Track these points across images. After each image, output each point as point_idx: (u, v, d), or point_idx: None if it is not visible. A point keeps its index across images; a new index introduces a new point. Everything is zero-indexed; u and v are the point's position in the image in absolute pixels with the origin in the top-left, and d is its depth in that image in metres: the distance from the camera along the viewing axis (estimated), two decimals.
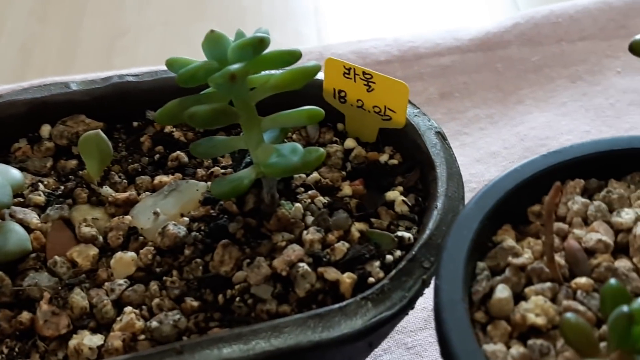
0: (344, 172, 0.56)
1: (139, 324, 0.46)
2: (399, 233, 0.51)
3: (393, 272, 0.47)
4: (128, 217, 0.52)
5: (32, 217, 0.52)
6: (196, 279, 0.48)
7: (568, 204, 0.48)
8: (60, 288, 0.48)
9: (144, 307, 0.47)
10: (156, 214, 0.52)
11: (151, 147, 0.58)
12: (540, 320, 0.41)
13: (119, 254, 0.50)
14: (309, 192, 0.53)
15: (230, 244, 0.49)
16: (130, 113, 0.60)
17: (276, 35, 1.03)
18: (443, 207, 0.51)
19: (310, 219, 0.51)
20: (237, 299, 0.47)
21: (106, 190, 0.54)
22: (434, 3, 1.10)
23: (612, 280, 0.38)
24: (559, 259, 0.44)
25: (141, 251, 0.50)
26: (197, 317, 0.47)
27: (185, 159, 0.57)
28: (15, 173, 0.52)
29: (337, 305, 0.45)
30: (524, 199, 0.48)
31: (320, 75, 0.56)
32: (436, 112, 0.84)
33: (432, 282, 0.45)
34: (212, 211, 0.52)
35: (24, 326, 0.47)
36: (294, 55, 0.49)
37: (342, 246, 0.49)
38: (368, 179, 0.55)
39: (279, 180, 0.53)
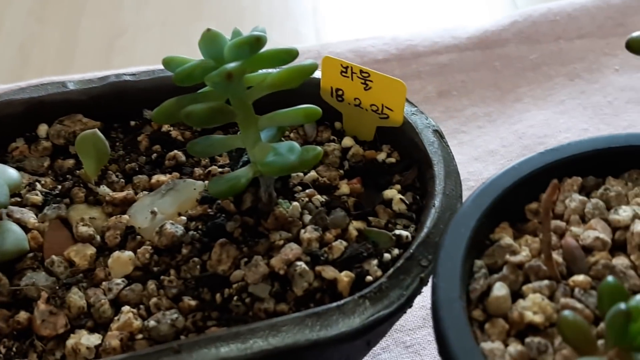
0: (341, 171, 0.56)
1: (137, 323, 0.46)
2: (397, 231, 0.50)
3: (391, 271, 0.47)
4: (125, 216, 0.52)
5: (30, 216, 0.52)
6: (194, 278, 0.48)
7: (565, 201, 0.48)
8: (57, 287, 0.48)
9: (141, 306, 0.47)
10: (153, 213, 0.52)
11: (148, 146, 0.58)
12: (537, 318, 0.41)
13: (116, 254, 0.50)
14: (307, 191, 0.53)
15: (228, 243, 0.49)
16: (127, 112, 0.60)
17: (275, 35, 1.03)
18: (441, 205, 0.50)
19: (307, 217, 0.51)
20: (235, 297, 0.47)
21: (103, 189, 0.54)
22: (431, 2, 1.10)
23: (610, 278, 0.38)
24: (557, 256, 0.44)
25: (139, 250, 0.50)
26: (194, 316, 0.47)
27: (183, 158, 0.57)
28: (12, 173, 0.52)
29: (334, 304, 0.45)
30: (522, 196, 0.48)
31: (317, 74, 0.56)
32: (434, 110, 0.84)
33: (430, 280, 0.44)
34: (209, 210, 0.52)
35: (21, 326, 0.47)
36: (291, 54, 0.48)
37: (339, 245, 0.49)
38: (366, 177, 0.55)
39: (277, 179, 0.53)
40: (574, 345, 0.38)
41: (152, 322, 0.46)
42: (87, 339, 0.46)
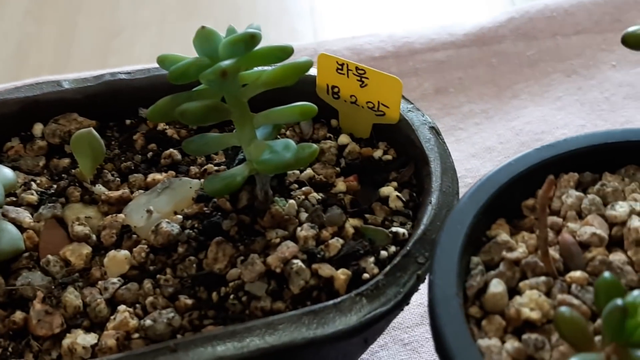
0: (338, 168, 0.55)
1: (133, 322, 0.46)
2: (394, 229, 0.50)
3: (387, 268, 0.47)
4: (121, 215, 0.52)
5: (25, 216, 0.52)
6: (190, 277, 0.48)
7: (562, 197, 0.48)
8: (53, 287, 0.48)
9: (137, 305, 0.47)
10: (149, 212, 0.51)
11: (144, 145, 0.58)
12: (534, 315, 0.41)
13: (112, 253, 0.49)
14: (303, 189, 0.53)
15: (224, 241, 0.49)
16: (122, 111, 0.60)
17: (272, 33, 1.03)
18: (437, 202, 0.50)
19: (304, 215, 0.51)
20: (231, 296, 0.47)
21: (99, 188, 0.54)
22: None
23: (606, 274, 0.38)
24: (554, 252, 0.44)
25: (134, 249, 0.50)
26: (191, 315, 0.47)
27: (179, 156, 0.56)
28: (7, 172, 0.52)
29: (331, 302, 0.45)
30: (518, 193, 0.48)
31: (313, 71, 0.56)
32: (431, 107, 0.84)
33: (427, 277, 0.44)
34: (205, 209, 0.52)
35: (17, 326, 0.47)
36: (286, 51, 0.48)
37: (336, 242, 0.49)
38: (362, 174, 0.55)
39: (273, 176, 0.53)
40: (571, 341, 0.38)
41: (148, 321, 0.46)
42: (83, 339, 0.46)
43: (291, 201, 0.51)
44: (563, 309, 0.38)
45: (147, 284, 0.48)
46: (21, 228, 0.51)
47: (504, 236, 0.45)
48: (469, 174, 0.77)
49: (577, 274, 0.43)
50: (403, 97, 0.56)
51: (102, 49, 1.05)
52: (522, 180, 0.47)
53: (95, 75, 0.60)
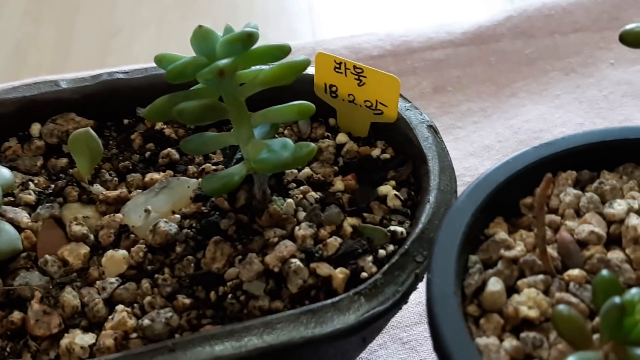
0: (336, 167, 0.55)
1: (131, 322, 0.46)
2: (392, 227, 0.50)
3: (386, 267, 0.47)
4: (119, 215, 0.52)
5: (23, 216, 0.52)
6: (188, 276, 0.48)
7: (560, 195, 0.48)
8: (51, 287, 0.48)
9: (135, 305, 0.47)
10: (147, 211, 0.51)
11: (142, 145, 0.58)
12: (532, 313, 0.41)
13: (110, 252, 0.49)
14: (301, 188, 0.53)
15: (222, 241, 0.49)
16: (120, 110, 0.60)
17: (271, 33, 1.03)
18: (435, 201, 0.50)
19: (302, 214, 0.51)
20: (230, 295, 0.47)
21: (97, 188, 0.54)
22: None
23: (604, 272, 0.38)
24: (552, 251, 0.44)
25: (132, 249, 0.50)
26: (189, 315, 0.46)
27: (177, 156, 0.56)
28: (5, 172, 0.52)
29: (329, 301, 0.45)
30: (516, 191, 0.48)
31: (311, 70, 0.56)
32: (429, 106, 0.84)
33: (425, 276, 0.44)
34: (203, 208, 0.52)
35: (15, 326, 0.47)
36: (283, 50, 0.48)
37: (334, 241, 0.49)
38: (360, 173, 0.55)
39: (271, 176, 0.53)
40: (569, 339, 0.38)
41: (146, 321, 0.46)
42: (81, 339, 0.46)
43: (289, 200, 0.51)
44: (561, 307, 0.38)
45: (145, 283, 0.48)
46: (19, 228, 0.51)
47: (502, 234, 0.45)
48: (468, 172, 0.77)
49: (575, 272, 0.43)
50: (401, 95, 0.56)
51: (100, 49, 1.05)
52: (520, 179, 0.47)
53: (92, 75, 0.60)
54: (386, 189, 0.53)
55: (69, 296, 0.47)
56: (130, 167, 0.56)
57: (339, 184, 0.54)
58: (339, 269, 0.48)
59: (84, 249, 0.50)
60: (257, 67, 0.51)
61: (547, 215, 0.47)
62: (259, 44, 0.48)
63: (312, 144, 0.48)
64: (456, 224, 0.44)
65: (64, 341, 0.46)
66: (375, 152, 0.56)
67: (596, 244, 0.44)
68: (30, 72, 0.98)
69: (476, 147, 0.80)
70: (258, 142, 0.49)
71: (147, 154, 0.57)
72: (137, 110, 0.60)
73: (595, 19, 0.91)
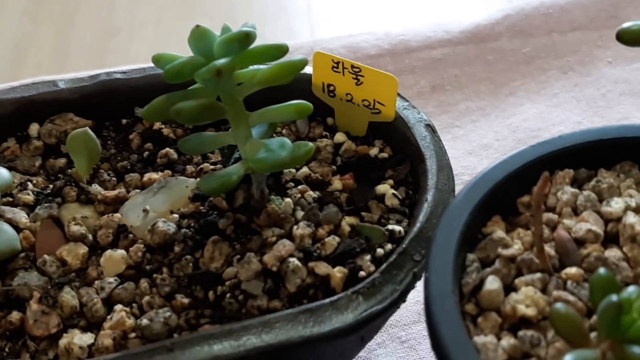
0: (334, 167, 0.55)
1: (130, 322, 0.46)
2: (390, 226, 0.50)
3: (384, 266, 0.47)
4: (117, 215, 0.52)
5: (21, 216, 0.52)
6: (186, 276, 0.48)
7: (558, 194, 0.48)
8: (50, 287, 0.48)
9: (134, 305, 0.47)
10: (146, 211, 0.51)
11: (140, 145, 0.58)
12: (530, 311, 0.41)
13: (108, 252, 0.49)
14: (299, 187, 0.53)
15: (220, 240, 0.49)
16: (118, 110, 0.60)
17: (269, 33, 1.03)
18: (433, 200, 0.50)
19: (300, 213, 0.51)
20: (228, 295, 0.47)
21: (95, 188, 0.54)
22: None
23: (601, 270, 0.38)
24: (549, 249, 0.44)
25: (131, 249, 0.50)
26: (187, 314, 0.47)
27: (175, 155, 0.56)
28: (3, 172, 0.52)
29: (328, 300, 0.45)
30: (514, 190, 0.48)
31: (309, 70, 0.56)
32: (428, 105, 0.84)
33: (423, 275, 0.44)
34: (201, 208, 0.52)
35: (13, 326, 0.47)
36: (281, 50, 0.48)
37: (332, 240, 0.49)
38: (358, 172, 0.55)
39: (269, 175, 0.53)
40: (567, 338, 0.38)
41: (145, 321, 0.46)
42: (80, 339, 0.46)
43: (287, 200, 0.51)
44: (559, 305, 0.38)
45: (144, 283, 0.48)
46: (17, 228, 0.51)
47: (499, 233, 0.45)
48: (466, 171, 0.77)
49: (572, 270, 0.43)
50: (399, 94, 0.56)
51: (99, 49, 1.05)
52: (518, 177, 0.47)
53: (91, 75, 0.60)
54: (384, 188, 0.53)
55: (68, 296, 0.47)
56: (129, 167, 0.56)
57: (337, 183, 0.54)
58: (337, 268, 0.48)
59: (83, 249, 0.50)
60: (255, 66, 0.51)
61: (545, 213, 0.47)
62: (256, 43, 0.48)
63: (310, 144, 0.48)
64: (454, 223, 0.44)
65: (63, 341, 0.46)
66: (373, 151, 0.56)
67: (593, 242, 0.44)
68: (29, 72, 0.98)
69: (474, 146, 0.80)
70: (256, 141, 0.49)
71: (146, 153, 0.57)
72: (136, 110, 0.60)
73: (593, 18, 0.91)
